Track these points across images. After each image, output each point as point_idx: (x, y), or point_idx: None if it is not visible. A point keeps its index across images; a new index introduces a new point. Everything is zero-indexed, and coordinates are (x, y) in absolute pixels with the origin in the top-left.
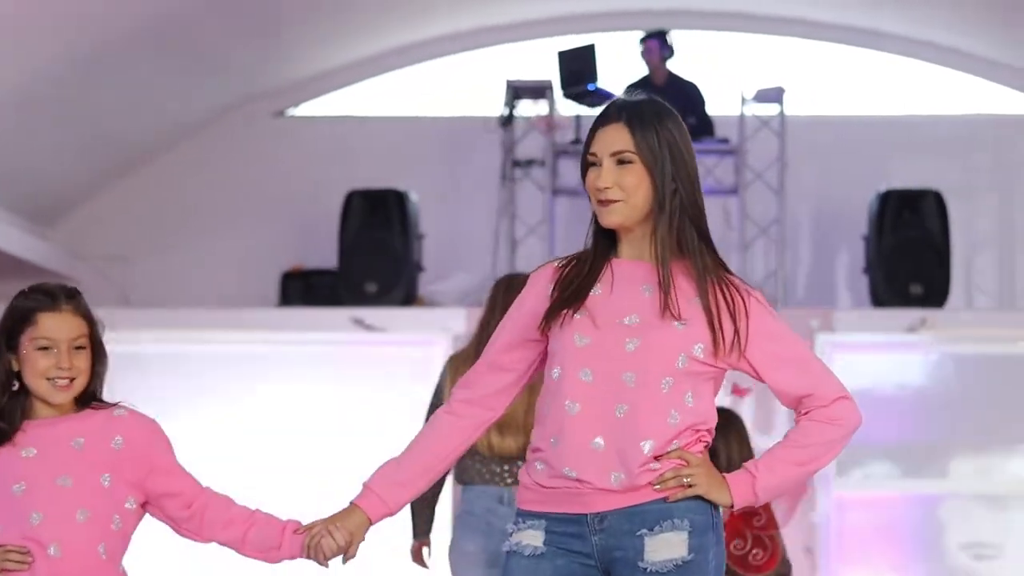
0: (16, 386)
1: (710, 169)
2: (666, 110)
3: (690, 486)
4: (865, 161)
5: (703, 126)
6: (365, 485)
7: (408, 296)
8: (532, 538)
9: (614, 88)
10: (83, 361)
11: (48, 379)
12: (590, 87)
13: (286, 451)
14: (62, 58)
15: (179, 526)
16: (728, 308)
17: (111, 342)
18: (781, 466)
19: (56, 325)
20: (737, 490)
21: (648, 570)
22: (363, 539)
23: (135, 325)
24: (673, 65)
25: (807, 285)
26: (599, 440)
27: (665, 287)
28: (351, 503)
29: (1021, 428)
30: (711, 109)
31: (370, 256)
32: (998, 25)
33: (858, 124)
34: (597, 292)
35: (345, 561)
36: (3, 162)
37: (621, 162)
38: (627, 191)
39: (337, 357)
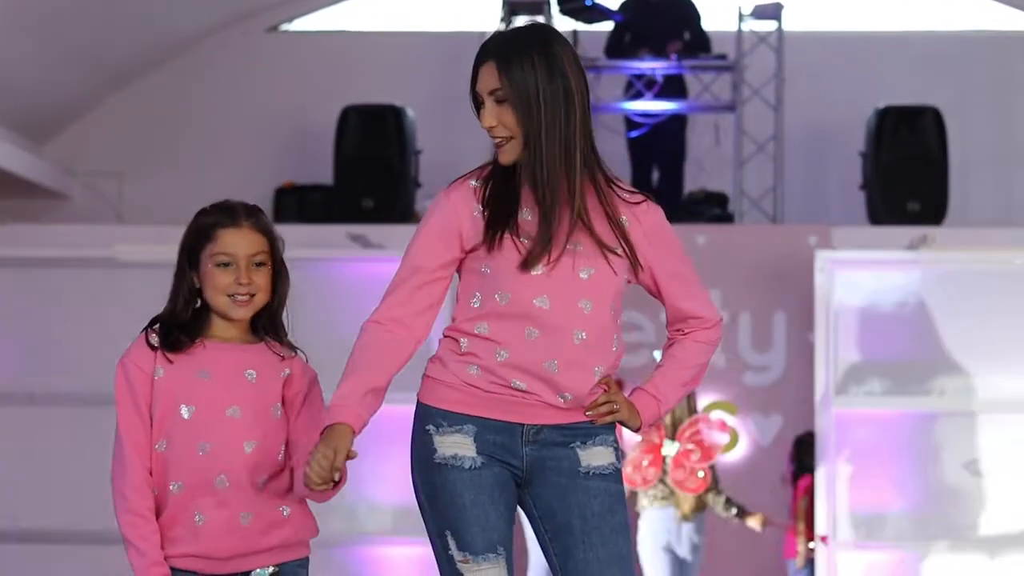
0: (198, 303)
1: (707, 85)
2: (534, 39)
3: (615, 411)
4: (863, 77)
5: (699, 42)
6: (333, 405)
7: (405, 213)
8: (465, 448)
9: (610, 3)
10: (262, 278)
11: (228, 295)
12: (587, 2)
13: None
14: None
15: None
16: (635, 222)
17: (103, 260)
18: (675, 388)
19: (235, 241)
20: (645, 414)
21: (590, 472)
22: (350, 453)
23: (128, 241)
24: None
25: (803, 201)
26: (555, 362)
27: (549, 217)
28: (327, 426)
29: (1020, 344)
30: (708, 25)
31: (367, 172)
32: None
33: (856, 40)
34: (526, 216)
35: (338, 483)
36: None
37: (498, 101)
38: (511, 129)
39: (332, 274)
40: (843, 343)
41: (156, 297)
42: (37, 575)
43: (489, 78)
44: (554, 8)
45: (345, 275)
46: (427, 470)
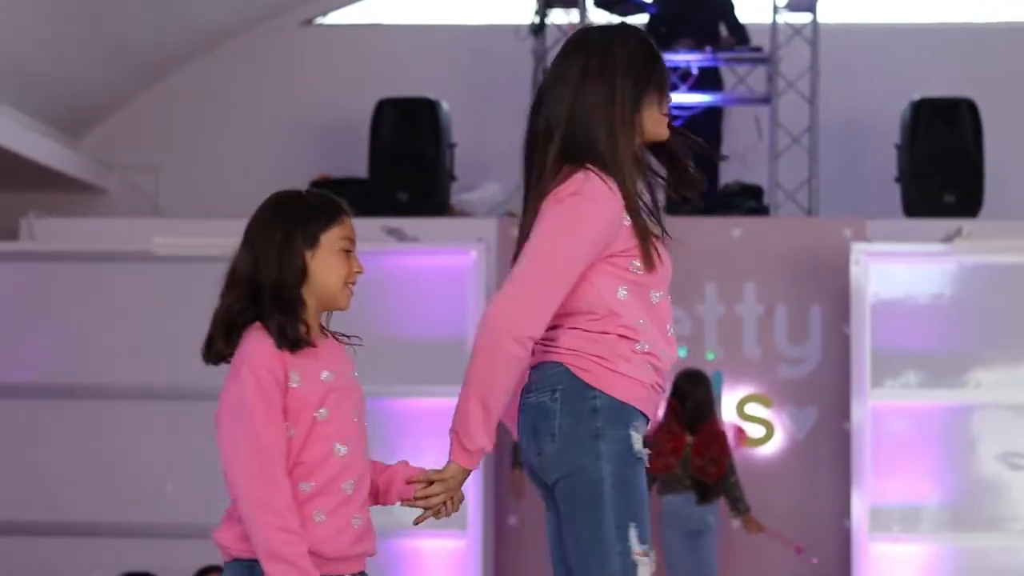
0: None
1: (742, 78)
2: None
3: None
4: (898, 69)
5: (737, 34)
6: (473, 448)
7: (440, 206)
8: (643, 445)
9: None
10: None
11: (347, 283)
12: None
13: None
14: None
15: None
16: None
17: (139, 254)
18: None
19: (353, 231)
20: None
21: None
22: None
23: (165, 235)
24: None
25: (839, 194)
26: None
27: (659, 211)
28: (461, 467)
29: None
30: (743, 17)
31: (402, 165)
32: None
33: (891, 32)
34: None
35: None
36: (34, 72)
37: None
38: None
39: (368, 267)
40: (878, 335)
41: (193, 290)
42: (73, 566)
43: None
44: (589, 1)
45: (380, 268)
46: (623, 464)
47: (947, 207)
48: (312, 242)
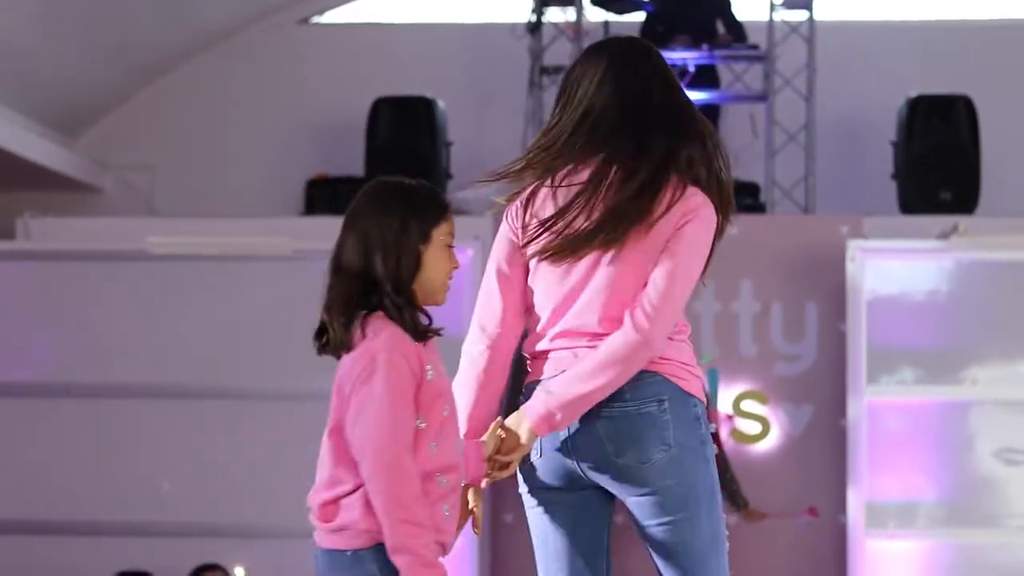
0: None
1: (739, 75)
2: None
3: None
4: (894, 66)
5: (734, 31)
6: (557, 429)
7: None
8: None
9: None
10: None
11: (448, 279)
12: None
13: (316, 361)
14: None
15: None
16: None
17: (135, 253)
18: None
19: (454, 225)
20: None
21: None
22: None
23: (160, 234)
24: None
25: (835, 191)
26: None
27: None
28: (537, 436)
29: None
30: (740, 14)
31: (398, 164)
32: None
33: (888, 29)
34: None
35: None
36: (29, 72)
37: None
38: None
39: None
40: (874, 332)
41: (189, 290)
42: (73, 566)
43: None
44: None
45: None
46: (713, 462)
47: (943, 204)
48: (425, 237)
